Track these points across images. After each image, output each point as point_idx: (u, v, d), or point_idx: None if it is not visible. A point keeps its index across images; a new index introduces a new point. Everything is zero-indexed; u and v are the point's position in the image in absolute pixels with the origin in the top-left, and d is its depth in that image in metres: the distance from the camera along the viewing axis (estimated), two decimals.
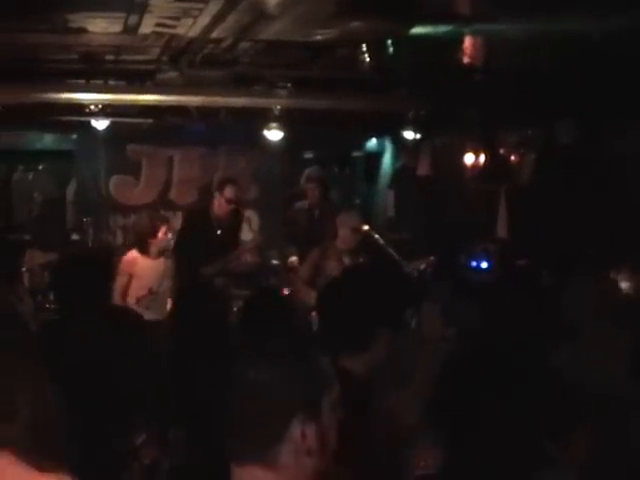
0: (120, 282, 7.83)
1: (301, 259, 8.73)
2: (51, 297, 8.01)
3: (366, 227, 7.92)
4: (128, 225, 10.84)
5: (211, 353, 3.57)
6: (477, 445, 2.41)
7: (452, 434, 2.51)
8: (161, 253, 8.18)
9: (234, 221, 9.18)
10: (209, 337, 3.85)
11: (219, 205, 8.90)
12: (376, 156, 12.02)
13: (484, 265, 8.73)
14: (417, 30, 6.58)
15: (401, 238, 9.28)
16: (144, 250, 8.08)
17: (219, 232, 8.95)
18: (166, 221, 8.48)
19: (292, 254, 9.26)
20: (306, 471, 2.01)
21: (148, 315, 7.54)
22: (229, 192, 8.88)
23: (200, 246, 8.67)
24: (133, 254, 8.15)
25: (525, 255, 8.31)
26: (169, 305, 8.05)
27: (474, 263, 8.81)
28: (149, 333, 4.59)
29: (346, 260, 7.71)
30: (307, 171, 9.71)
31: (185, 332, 4.01)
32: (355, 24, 6.54)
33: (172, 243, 8.55)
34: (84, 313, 4.24)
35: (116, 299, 7.56)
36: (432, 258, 8.02)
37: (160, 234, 8.11)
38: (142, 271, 8.00)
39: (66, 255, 5.74)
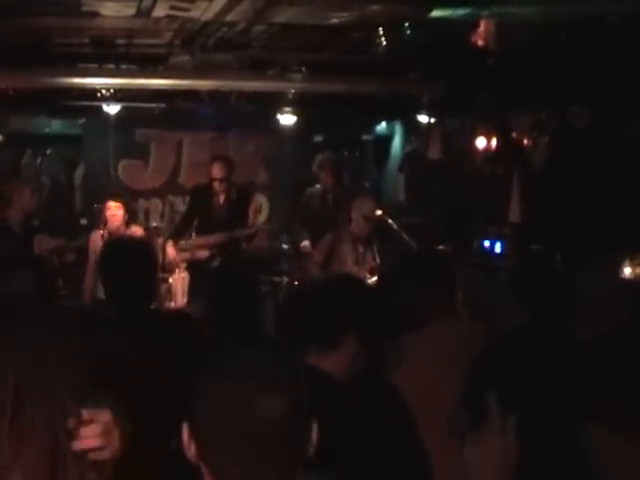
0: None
1: (313, 244, 8.67)
2: (60, 283, 7.95)
3: (380, 212, 7.86)
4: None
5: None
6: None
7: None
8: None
9: (239, 201, 9.09)
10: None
11: (218, 184, 8.86)
12: (386, 140, 11.97)
13: (498, 249, 8.70)
14: (432, 13, 6.52)
15: (413, 222, 9.22)
16: None
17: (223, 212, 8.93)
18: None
19: (303, 239, 9.19)
20: None
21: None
22: (215, 170, 8.83)
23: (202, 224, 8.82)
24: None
25: (539, 239, 8.28)
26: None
27: (488, 247, 8.77)
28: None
29: (360, 246, 7.68)
30: (319, 157, 9.63)
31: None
32: (371, 7, 6.49)
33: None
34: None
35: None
36: (447, 244, 7.98)
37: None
38: None
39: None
